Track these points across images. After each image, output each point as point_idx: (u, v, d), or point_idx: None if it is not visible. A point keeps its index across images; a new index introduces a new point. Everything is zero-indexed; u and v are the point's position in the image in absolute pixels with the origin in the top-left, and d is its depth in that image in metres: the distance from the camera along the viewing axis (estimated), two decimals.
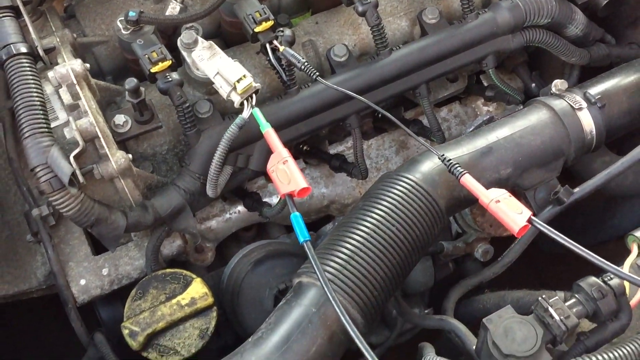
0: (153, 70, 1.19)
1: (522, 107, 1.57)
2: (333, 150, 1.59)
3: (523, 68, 1.66)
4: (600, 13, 1.56)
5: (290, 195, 1.07)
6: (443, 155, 1.16)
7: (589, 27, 1.54)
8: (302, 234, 1.02)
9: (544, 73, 1.67)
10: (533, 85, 1.64)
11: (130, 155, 1.15)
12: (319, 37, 1.43)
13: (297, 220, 1.04)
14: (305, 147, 1.55)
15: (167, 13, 1.34)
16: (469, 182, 1.12)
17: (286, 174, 1.08)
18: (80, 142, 1.09)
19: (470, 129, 1.56)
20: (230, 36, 1.42)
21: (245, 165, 1.30)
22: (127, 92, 1.17)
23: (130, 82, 1.15)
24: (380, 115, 1.61)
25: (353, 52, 1.43)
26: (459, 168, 1.13)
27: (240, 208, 1.49)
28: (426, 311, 1.56)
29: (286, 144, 1.33)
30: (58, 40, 1.23)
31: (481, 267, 1.68)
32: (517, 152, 1.27)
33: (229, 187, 1.31)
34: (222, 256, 1.56)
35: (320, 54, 1.42)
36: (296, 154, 1.56)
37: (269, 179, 1.49)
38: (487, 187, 1.26)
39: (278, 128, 1.30)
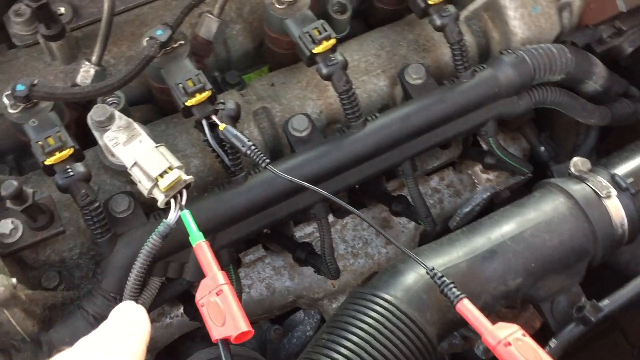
0: (48, 162, 0.90)
1: (529, 174, 1.29)
2: (299, 232, 1.30)
3: (529, 127, 1.37)
4: (624, 62, 1.28)
5: (226, 341, 0.77)
6: (433, 269, 0.89)
7: (610, 81, 1.25)
8: None
9: (555, 133, 1.38)
10: (542, 148, 1.36)
11: (13, 280, 0.85)
12: (275, 104, 1.13)
13: None
14: (265, 230, 1.26)
15: (78, 78, 1.06)
16: (469, 310, 0.84)
17: (220, 310, 0.78)
18: None
19: (468, 209, 1.28)
20: (164, 103, 1.13)
21: (178, 275, 1.01)
22: (7, 200, 0.87)
23: (8, 186, 0.85)
24: (357, 187, 1.34)
25: (319, 121, 1.14)
26: (454, 290, 0.85)
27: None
28: None
29: (231, 246, 1.06)
30: None
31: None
32: (528, 256, 0.99)
33: (158, 303, 1.02)
34: (173, 351, 1.28)
35: (277, 125, 1.12)
36: (254, 238, 1.28)
37: None
38: (491, 303, 0.99)
39: (220, 228, 1.01)
